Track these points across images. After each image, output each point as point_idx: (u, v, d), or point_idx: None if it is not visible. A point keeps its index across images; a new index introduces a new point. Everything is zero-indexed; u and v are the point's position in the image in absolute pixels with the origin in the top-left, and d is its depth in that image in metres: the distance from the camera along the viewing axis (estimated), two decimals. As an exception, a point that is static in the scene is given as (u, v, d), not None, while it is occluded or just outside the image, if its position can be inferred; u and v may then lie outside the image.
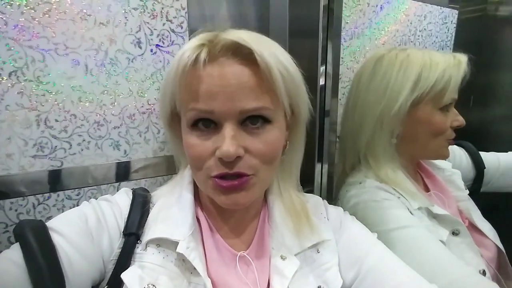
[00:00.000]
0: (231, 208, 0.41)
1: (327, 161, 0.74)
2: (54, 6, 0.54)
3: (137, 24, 0.61)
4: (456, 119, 0.64)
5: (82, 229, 0.39)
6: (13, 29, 0.51)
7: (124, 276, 0.37)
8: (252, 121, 0.39)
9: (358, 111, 0.69)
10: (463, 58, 0.62)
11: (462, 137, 0.71)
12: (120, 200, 0.44)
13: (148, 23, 0.62)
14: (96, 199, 0.45)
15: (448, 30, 1.12)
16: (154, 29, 0.63)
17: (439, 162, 0.77)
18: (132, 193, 0.46)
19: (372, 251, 0.46)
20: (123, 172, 0.63)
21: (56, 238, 0.36)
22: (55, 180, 0.57)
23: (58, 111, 0.56)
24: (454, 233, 0.60)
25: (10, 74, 0.52)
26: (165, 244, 0.41)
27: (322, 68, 0.77)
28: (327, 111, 0.78)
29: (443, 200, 0.68)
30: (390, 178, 0.63)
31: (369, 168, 0.66)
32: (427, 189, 0.71)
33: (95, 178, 0.61)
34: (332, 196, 0.77)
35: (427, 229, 0.56)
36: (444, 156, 0.67)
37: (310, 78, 0.77)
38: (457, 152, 0.85)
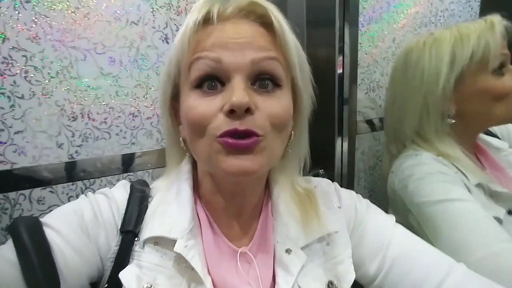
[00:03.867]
0: (237, 177, 0.36)
1: (347, 143, 0.75)
2: (92, 9, 0.59)
3: (164, 21, 0.66)
4: None
5: (78, 225, 0.37)
6: (57, 32, 0.58)
7: (122, 275, 0.36)
8: (262, 84, 0.36)
9: (397, 105, 0.69)
10: (495, 18, 0.60)
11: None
12: (118, 195, 0.42)
13: (174, 19, 0.66)
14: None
15: (471, 9, 1.08)
16: (180, 25, 0.66)
17: (495, 142, 0.74)
18: (130, 187, 0.43)
19: (394, 239, 0.44)
20: (155, 160, 0.69)
21: (50, 235, 0.36)
22: (98, 167, 0.63)
23: (99, 105, 0.62)
24: (511, 212, 0.58)
25: (57, 73, 0.58)
26: (163, 242, 0.38)
27: (339, 56, 0.79)
28: (346, 99, 0.80)
29: (500, 180, 0.65)
30: (448, 154, 0.62)
31: (422, 148, 0.65)
32: (483, 168, 0.69)
33: (132, 165, 0.66)
34: (352, 176, 0.79)
35: (482, 205, 0.54)
36: None
37: (328, 67, 0.79)
38: None
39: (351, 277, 0.42)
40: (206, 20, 0.36)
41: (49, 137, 0.59)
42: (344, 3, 0.75)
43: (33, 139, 0.57)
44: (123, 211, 0.40)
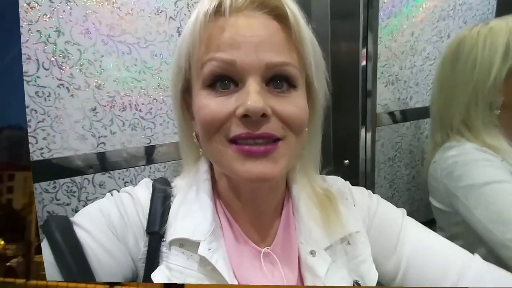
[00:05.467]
0: (255, 182, 0.34)
1: (371, 135, 0.80)
2: (136, 5, 0.63)
3: (202, 16, 0.69)
4: None
5: (106, 225, 0.38)
6: (106, 27, 0.61)
7: (154, 277, 0.37)
8: (277, 84, 0.35)
9: (444, 94, 0.71)
10: None
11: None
12: (141, 195, 0.41)
13: (211, 15, 0.70)
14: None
15: (489, 2, 1.11)
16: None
17: None
18: (152, 185, 0.43)
19: (406, 234, 0.44)
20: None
21: (81, 235, 0.36)
22: (146, 155, 0.68)
23: (144, 96, 0.67)
24: None
25: (107, 66, 0.62)
26: (188, 244, 0.38)
27: (363, 49, 0.82)
28: (369, 91, 0.83)
29: None
30: (493, 145, 0.63)
31: (466, 138, 0.67)
32: None
33: (176, 154, 0.71)
34: (374, 167, 0.84)
35: None
36: None
37: (352, 59, 0.83)
38: None
39: (374, 276, 0.42)
40: (217, 11, 0.35)
41: (104, 126, 0.63)
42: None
43: (91, 128, 0.62)
44: (147, 211, 0.40)
